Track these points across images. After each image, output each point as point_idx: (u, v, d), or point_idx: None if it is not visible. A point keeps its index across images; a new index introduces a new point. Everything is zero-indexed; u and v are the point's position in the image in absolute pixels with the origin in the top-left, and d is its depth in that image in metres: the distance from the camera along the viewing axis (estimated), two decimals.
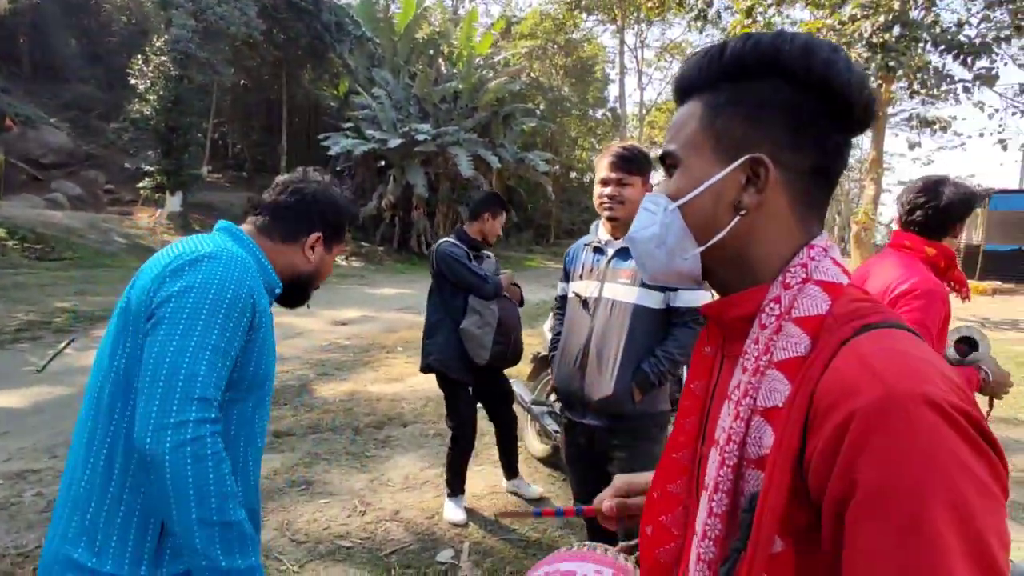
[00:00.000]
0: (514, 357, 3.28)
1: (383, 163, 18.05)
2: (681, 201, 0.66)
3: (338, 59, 19.11)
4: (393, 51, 19.47)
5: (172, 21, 14.28)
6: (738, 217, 0.63)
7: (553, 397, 3.98)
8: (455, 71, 19.35)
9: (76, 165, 16.87)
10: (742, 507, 0.56)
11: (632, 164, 2.02)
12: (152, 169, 15.14)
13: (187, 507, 0.93)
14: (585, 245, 2.21)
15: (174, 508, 0.94)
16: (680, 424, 0.72)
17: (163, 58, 14.44)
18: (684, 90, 0.69)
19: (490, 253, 3.33)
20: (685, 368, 3.44)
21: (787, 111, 0.62)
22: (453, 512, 3.18)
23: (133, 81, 15.36)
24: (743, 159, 0.62)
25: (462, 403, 3.22)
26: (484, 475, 3.75)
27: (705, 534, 0.60)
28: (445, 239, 3.20)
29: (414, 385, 5.64)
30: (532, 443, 4.02)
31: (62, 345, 5.95)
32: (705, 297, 2.04)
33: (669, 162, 0.69)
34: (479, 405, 3.40)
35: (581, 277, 2.16)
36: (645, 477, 0.92)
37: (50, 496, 3.22)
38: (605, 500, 0.92)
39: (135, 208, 16.03)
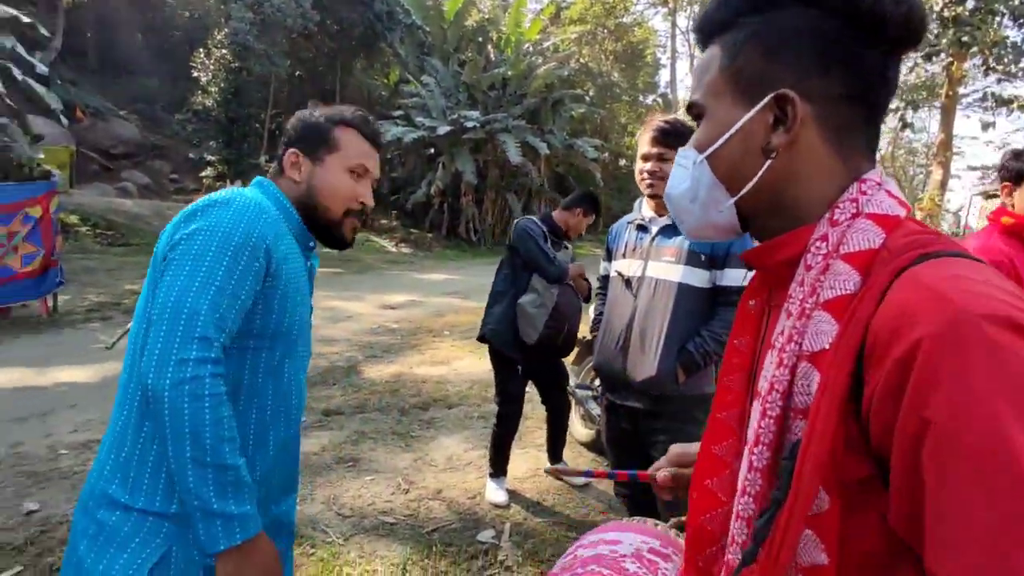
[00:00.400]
0: (566, 345, 3.26)
1: (432, 150, 18.19)
2: (707, 152, 0.62)
3: (389, 48, 19.32)
4: (443, 39, 19.54)
5: (231, 15, 14.75)
6: (768, 161, 0.58)
7: (597, 381, 3.96)
8: (504, 57, 19.27)
9: (144, 155, 17.70)
10: (782, 455, 0.52)
11: (674, 138, 1.95)
12: (214, 159, 15.77)
13: (182, 445, 0.93)
14: (628, 223, 2.16)
15: (170, 445, 0.94)
16: (725, 383, 0.68)
17: (223, 51, 14.96)
18: (705, 34, 0.65)
19: (568, 245, 3.33)
20: None
21: (810, 37, 0.57)
22: (495, 493, 3.19)
23: (196, 74, 15.99)
24: (767, 98, 0.58)
25: (511, 381, 3.21)
26: (527, 458, 3.75)
27: (744, 490, 0.56)
28: (528, 216, 3.24)
29: (459, 368, 5.69)
30: (576, 427, 3.99)
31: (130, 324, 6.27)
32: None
33: (695, 113, 0.65)
34: (531, 388, 3.40)
35: (624, 256, 2.10)
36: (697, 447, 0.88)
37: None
38: (660, 470, 0.88)
39: (197, 196, 16.66)
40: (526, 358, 3.16)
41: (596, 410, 3.87)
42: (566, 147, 18.98)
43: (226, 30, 14.82)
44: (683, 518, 0.89)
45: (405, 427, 4.17)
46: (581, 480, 3.45)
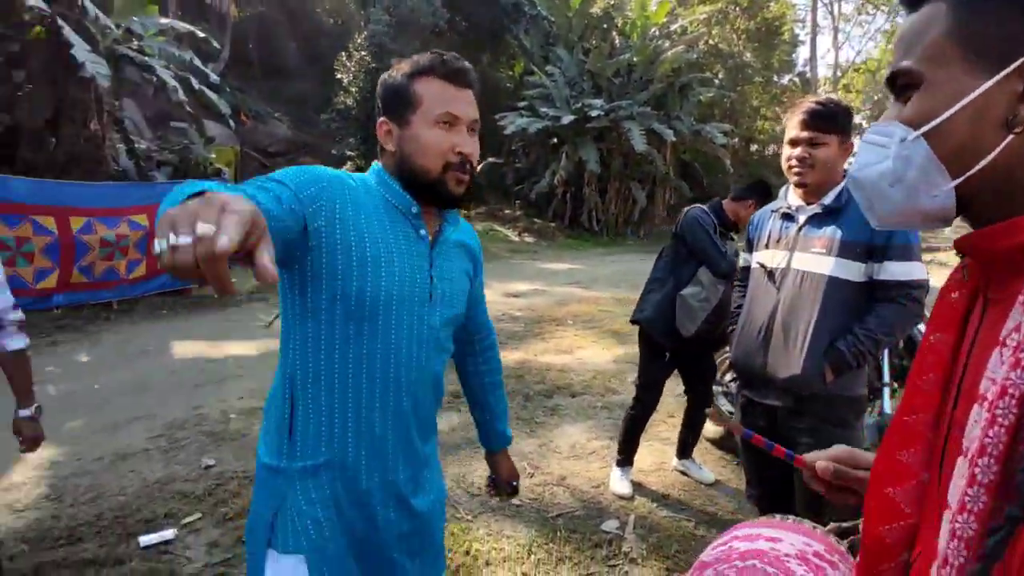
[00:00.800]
0: (718, 342, 3.16)
1: (556, 140, 18.22)
2: (928, 126, 0.55)
3: (514, 41, 19.57)
4: (568, 28, 19.45)
5: (370, 18, 15.71)
6: (1011, 136, 0.52)
7: (728, 377, 3.80)
8: (629, 43, 18.82)
9: (295, 153, 19.41)
10: (1019, 467, 0.46)
11: (828, 121, 1.80)
12: (353, 154, 16.92)
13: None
14: (772, 212, 2.04)
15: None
16: (916, 384, 0.62)
17: (362, 53, 15.98)
18: None
19: (734, 237, 3.20)
20: (886, 352, 3.07)
21: None
22: (620, 484, 3.18)
23: (339, 75, 17.22)
24: (1019, 62, 0.51)
25: (656, 366, 3.16)
26: (651, 451, 3.69)
27: (964, 506, 0.48)
28: (698, 205, 3.16)
29: (583, 358, 5.70)
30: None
31: None
32: (918, 269, 1.79)
33: (903, 81, 0.58)
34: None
35: (767, 246, 2.00)
36: (870, 456, 0.78)
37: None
38: (820, 459, 0.79)
39: None
40: (677, 348, 3.07)
41: (727, 406, 3.72)
42: (693, 133, 18.21)
43: (365, 33, 15.81)
44: (843, 524, 0.83)
45: (530, 413, 4.27)
46: (710, 478, 3.34)
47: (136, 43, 8.42)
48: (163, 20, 9.20)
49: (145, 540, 2.68)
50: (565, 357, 5.71)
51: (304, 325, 1.17)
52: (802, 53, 30.32)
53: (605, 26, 19.86)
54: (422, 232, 1.21)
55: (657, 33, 19.31)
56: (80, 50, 6.35)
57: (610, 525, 2.87)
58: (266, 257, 0.60)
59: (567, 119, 16.38)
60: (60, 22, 6.69)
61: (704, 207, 3.08)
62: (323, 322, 1.15)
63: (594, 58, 17.61)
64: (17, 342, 1.94)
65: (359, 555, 1.21)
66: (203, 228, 0.56)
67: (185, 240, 0.56)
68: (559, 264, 12.65)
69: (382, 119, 1.21)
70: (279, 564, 1.15)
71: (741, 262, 2.23)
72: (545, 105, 17.29)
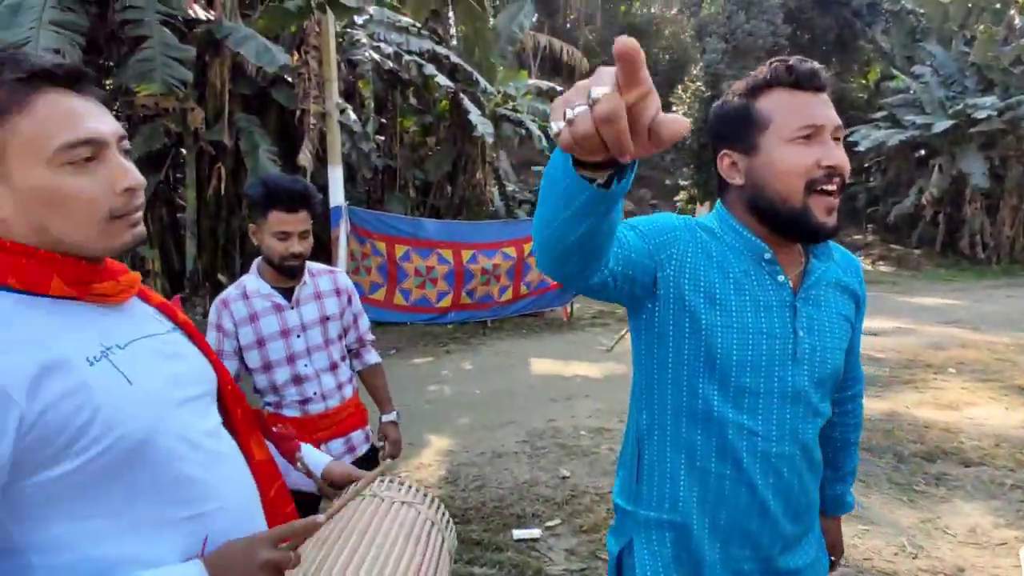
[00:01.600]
0: None
1: (923, 152, 15.40)
2: None
3: (868, 44, 17.30)
4: (943, 17, 16.33)
5: (706, 48, 15.75)
6: None
7: None
8: None
9: (631, 186, 20.67)
10: None
11: None
12: (686, 183, 17.16)
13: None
14: None
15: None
16: None
17: (698, 83, 16.11)
18: None
19: None
20: None
21: None
22: None
23: (674, 108, 17.67)
24: None
25: None
26: None
27: None
28: None
29: (976, 417, 4.64)
30: None
31: (623, 332, 7.37)
32: None
33: None
34: None
35: None
36: None
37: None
38: None
39: None
40: None
41: None
42: None
43: (701, 64, 15.90)
44: None
45: (905, 477, 3.65)
46: None
47: (511, 104, 10.06)
48: (530, 81, 10.82)
49: (518, 534, 3.03)
50: (950, 414, 4.72)
51: (650, 376, 1.12)
52: None
53: (998, 5, 16.08)
54: (780, 278, 1.06)
55: None
56: (474, 115, 7.91)
57: None
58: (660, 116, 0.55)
59: (941, 125, 13.72)
60: (460, 95, 8.43)
61: None
62: (669, 379, 1.08)
63: (982, 47, 14.39)
64: (375, 356, 2.22)
65: None
66: (598, 91, 0.51)
67: (581, 108, 0.52)
68: (929, 298, 10.57)
69: (723, 152, 1.07)
70: None
71: None
72: (910, 112, 14.81)
